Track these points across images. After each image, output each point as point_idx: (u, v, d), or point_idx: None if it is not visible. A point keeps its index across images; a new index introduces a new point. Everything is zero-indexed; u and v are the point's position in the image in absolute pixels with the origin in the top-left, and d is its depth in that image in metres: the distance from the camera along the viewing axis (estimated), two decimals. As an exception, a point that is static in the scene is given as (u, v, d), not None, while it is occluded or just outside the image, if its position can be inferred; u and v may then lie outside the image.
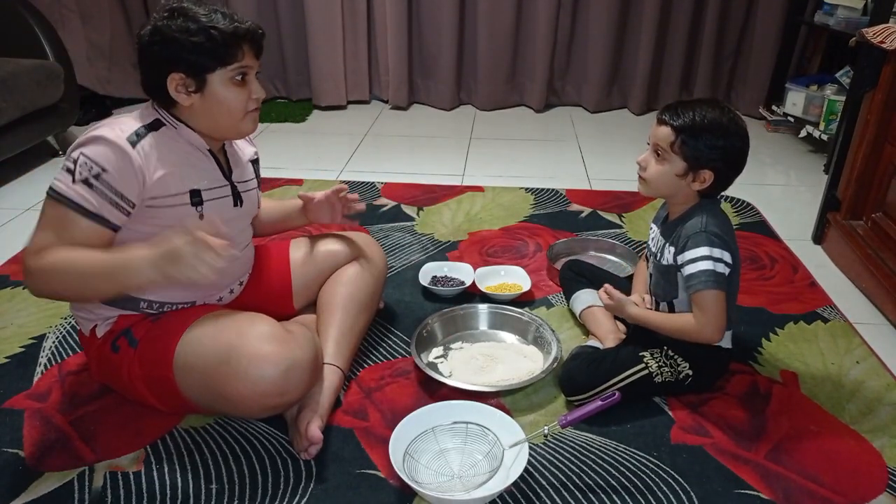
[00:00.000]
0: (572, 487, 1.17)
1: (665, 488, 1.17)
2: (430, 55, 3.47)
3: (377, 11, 3.37)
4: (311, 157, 2.85)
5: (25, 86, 2.41)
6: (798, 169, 2.80)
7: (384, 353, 1.52)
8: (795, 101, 2.99)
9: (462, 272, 1.81)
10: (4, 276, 1.83)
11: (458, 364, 1.46)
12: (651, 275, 1.41)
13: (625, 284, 1.58)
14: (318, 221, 1.51)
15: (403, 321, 1.64)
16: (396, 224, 2.18)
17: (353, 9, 3.35)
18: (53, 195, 1.11)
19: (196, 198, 1.22)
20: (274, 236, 1.64)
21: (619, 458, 1.23)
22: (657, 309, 1.39)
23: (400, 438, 1.17)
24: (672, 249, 1.29)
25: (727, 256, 1.25)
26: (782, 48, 3.22)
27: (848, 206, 1.96)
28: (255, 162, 1.43)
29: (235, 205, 1.31)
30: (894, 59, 1.76)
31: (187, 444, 1.25)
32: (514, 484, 1.15)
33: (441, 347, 1.53)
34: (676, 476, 1.19)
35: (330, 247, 1.51)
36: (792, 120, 3.03)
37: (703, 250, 1.23)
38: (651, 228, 1.43)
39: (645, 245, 1.53)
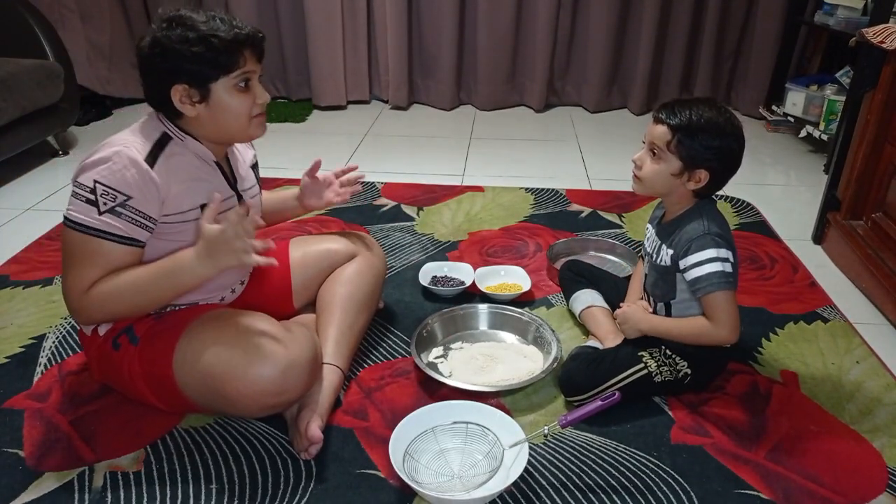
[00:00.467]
0: (572, 487, 1.17)
1: (665, 488, 1.17)
2: (430, 55, 3.47)
3: (377, 11, 3.37)
4: (311, 157, 2.78)
5: (25, 86, 2.41)
6: (798, 169, 2.80)
7: (384, 353, 1.52)
8: (795, 101, 2.99)
9: (462, 272, 1.81)
10: (4, 276, 1.83)
11: (458, 364, 1.46)
12: (647, 274, 1.41)
13: (624, 285, 1.58)
14: (312, 204, 1.52)
15: (403, 321, 1.64)
16: (396, 224, 2.18)
17: (353, 9, 3.35)
18: (81, 229, 1.11)
19: None
20: (274, 236, 1.65)
21: (619, 458, 1.23)
22: (654, 310, 1.39)
23: (400, 438, 1.17)
24: (670, 251, 1.29)
25: (732, 256, 1.25)
26: (782, 48, 3.22)
27: (848, 206, 1.96)
28: (255, 166, 1.44)
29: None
30: (894, 59, 1.76)
31: (187, 444, 1.25)
32: (514, 484, 1.15)
33: (441, 347, 1.53)
34: (676, 476, 1.19)
35: (329, 246, 1.51)
36: (792, 120, 3.03)
37: (710, 252, 1.23)
38: (647, 228, 1.43)
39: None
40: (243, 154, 1.39)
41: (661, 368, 1.32)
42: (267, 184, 2.36)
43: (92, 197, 1.10)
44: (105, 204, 1.10)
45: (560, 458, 1.23)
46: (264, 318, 1.23)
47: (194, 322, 1.21)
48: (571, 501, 1.14)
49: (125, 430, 1.27)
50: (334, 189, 1.53)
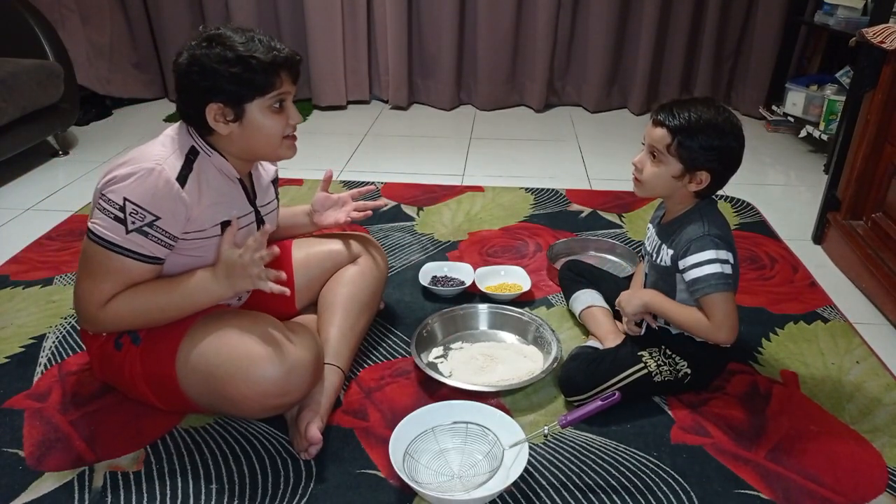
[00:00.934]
0: (572, 487, 1.17)
1: (665, 488, 1.17)
2: (430, 55, 3.47)
3: (377, 11, 3.37)
4: (311, 157, 2.84)
5: (25, 86, 2.41)
6: (798, 169, 2.80)
7: (384, 353, 1.52)
8: (795, 101, 2.99)
9: (462, 272, 1.81)
10: (4, 276, 1.83)
11: (458, 364, 1.46)
12: (647, 274, 1.41)
13: (624, 285, 1.58)
14: (323, 222, 1.51)
15: (403, 321, 1.64)
16: (396, 224, 2.18)
17: (353, 9, 3.34)
18: (106, 245, 1.11)
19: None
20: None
21: (619, 458, 1.23)
22: None
23: (400, 438, 1.17)
24: (671, 252, 1.29)
25: (731, 257, 1.25)
26: (782, 48, 3.22)
27: (848, 206, 1.96)
28: (276, 181, 1.44)
29: (258, 228, 1.32)
30: (894, 59, 1.76)
31: (187, 444, 1.25)
32: (514, 484, 1.15)
33: (441, 347, 1.53)
34: (676, 476, 1.19)
35: (331, 247, 1.51)
36: (792, 120, 3.03)
37: (710, 253, 1.23)
38: (648, 228, 1.43)
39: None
40: (266, 169, 1.39)
41: (660, 368, 1.32)
42: (267, 184, 2.36)
43: (121, 215, 1.10)
44: (133, 223, 1.10)
45: (560, 458, 1.23)
46: (268, 319, 1.23)
47: (197, 322, 1.21)
48: (571, 501, 1.14)
49: (125, 430, 1.27)
50: (346, 210, 1.51)
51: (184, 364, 1.18)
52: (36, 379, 1.42)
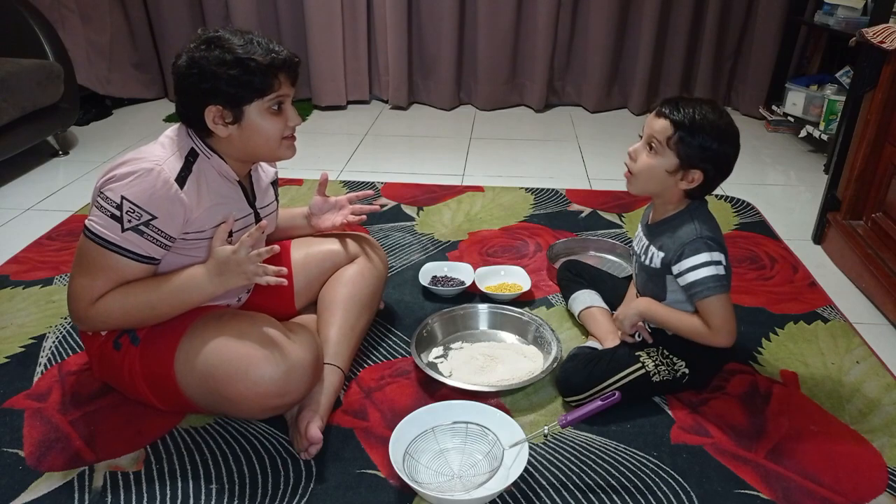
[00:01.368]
0: (572, 487, 1.17)
1: (665, 488, 1.17)
2: (430, 55, 3.47)
3: (377, 11, 3.37)
4: (311, 157, 2.84)
5: (25, 86, 2.41)
6: (798, 169, 2.80)
7: (384, 353, 1.52)
8: (795, 101, 2.99)
9: (462, 272, 1.81)
10: (4, 276, 1.83)
11: (459, 364, 1.46)
12: (636, 274, 1.41)
13: (623, 285, 1.58)
14: (319, 224, 1.52)
15: (403, 321, 1.64)
16: (396, 224, 2.18)
17: (353, 9, 3.35)
18: (101, 243, 1.11)
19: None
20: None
21: (619, 458, 1.23)
22: None
23: (400, 438, 1.17)
24: (661, 254, 1.29)
25: (723, 258, 1.25)
26: (782, 48, 3.22)
27: (848, 206, 1.96)
28: (275, 182, 1.44)
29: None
30: (894, 59, 1.76)
31: (187, 444, 1.25)
32: (514, 484, 1.15)
33: (441, 347, 1.53)
34: (676, 476, 1.19)
35: (331, 247, 1.51)
36: (792, 120, 3.03)
37: (704, 256, 1.23)
38: (638, 228, 1.43)
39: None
40: (265, 171, 1.40)
41: (658, 368, 1.32)
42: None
43: (117, 213, 1.10)
44: (129, 221, 1.10)
45: (560, 458, 1.23)
46: (267, 320, 1.23)
47: (196, 323, 1.21)
48: (571, 501, 1.14)
49: (125, 430, 1.27)
50: (343, 214, 1.51)
51: (183, 364, 1.18)
52: (36, 379, 1.42)
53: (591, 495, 1.15)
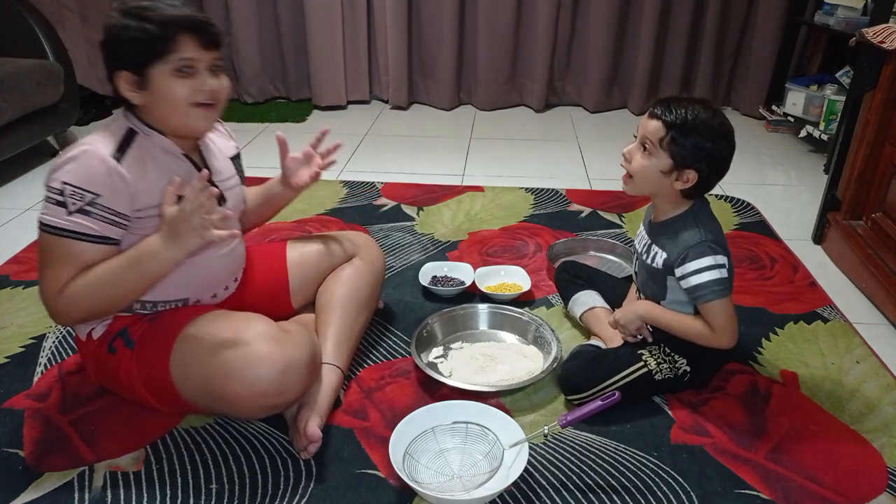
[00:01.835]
0: (572, 487, 1.17)
1: (665, 488, 1.17)
2: (430, 55, 3.47)
3: (377, 11, 3.37)
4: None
5: (25, 86, 2.41)
6: (798, 169, 2.80)
7: (384, 353, 1.52)
8: (795, 101, 2.99)
9: (462, 272, 1.81)
10: (4, 276, 1.83)
11: (459, 364, 1.46)
12: (636, 273, 1.41)
13: (623, 285, 1.58)
14: (297, 181, 1.46)
15: (403, 321, 1.64)
16: (396, 224, 2.18)
17: (353, 9, 3.35)
18: (53, 231, 1.10)
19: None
20: (273, 237, 1.64)
21: (619, 458, 1.23)
22: None
23: (400, 438, 1.17)
24: (664, 255, 1.29)
25: (726, 260, 1.25)
26: (782, 48, 3.22)
27: (848, 206, 1.96)
28: (237, 157, 1.40)
29: (219, 204, 1.29)
30: (894, 59, 1.76)
31: (187, 444, 1.25)
32: (514, 484, 1.15)
33: (441, 347, 1.53)
34: (676, 476, 1.19)
35: (328, 246, 1.51)
36: (792, 120, 3.03)
37: (708, 260, 1.23)
38: (640, 227, 1.43)
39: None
40: (219, 146, 1.36)
41: (660, 366, 1.32)
42: (267, 184, 2.36)
43: (61, 198, 1.09)
44: (74, 203, 1.09)
45: (560, 458, 1.23)
46: (261, 319, 1.22)
47: (190, 324, 1.20)
48: (571, 501, 1.14)
49: (125, 430, 1.27)
50: (316, 162, 1.47)
51: (178, 366, 1.18)
52: (36, 379, 1.42)
53: (591, 495, 1.15)
